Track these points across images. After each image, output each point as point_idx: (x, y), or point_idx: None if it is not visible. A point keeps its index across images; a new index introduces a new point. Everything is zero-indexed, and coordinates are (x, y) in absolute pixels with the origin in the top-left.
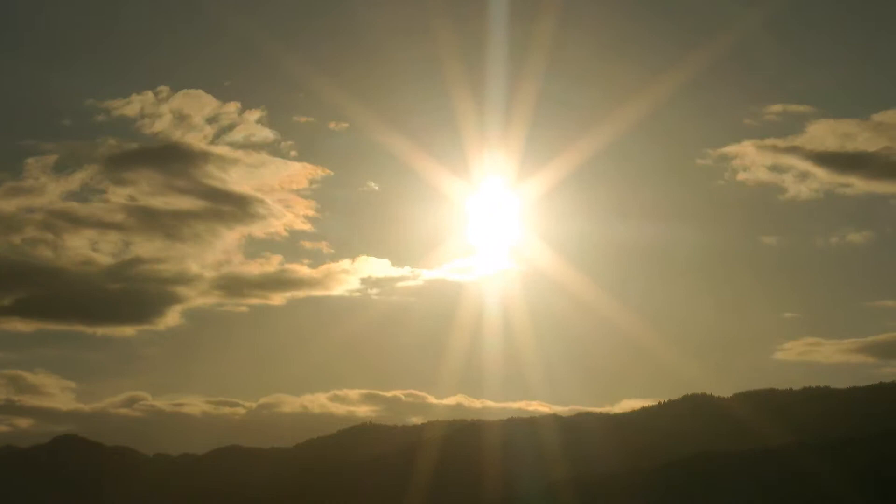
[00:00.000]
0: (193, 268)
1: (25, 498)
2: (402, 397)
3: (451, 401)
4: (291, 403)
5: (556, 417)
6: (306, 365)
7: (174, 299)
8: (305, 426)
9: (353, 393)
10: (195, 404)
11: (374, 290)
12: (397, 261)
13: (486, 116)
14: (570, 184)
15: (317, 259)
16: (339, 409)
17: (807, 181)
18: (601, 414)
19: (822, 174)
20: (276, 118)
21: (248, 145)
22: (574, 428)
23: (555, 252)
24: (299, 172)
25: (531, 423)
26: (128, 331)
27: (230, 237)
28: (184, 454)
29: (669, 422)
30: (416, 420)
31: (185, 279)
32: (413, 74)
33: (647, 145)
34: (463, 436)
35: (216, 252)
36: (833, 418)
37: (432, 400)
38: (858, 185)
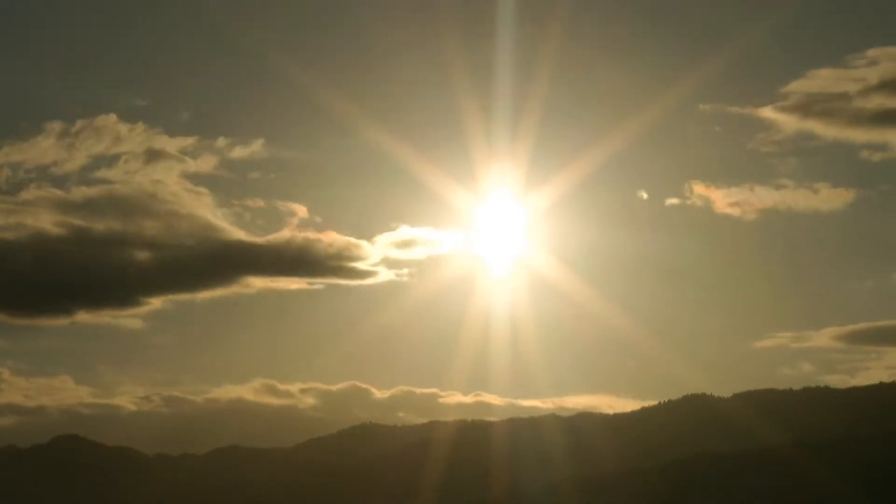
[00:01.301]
0: None
1: (25, 498)
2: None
3: (450, 399)
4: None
5: (557, 417)
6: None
7: None
8: (306, 426)
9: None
10: None
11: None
12: None
13: (494, 129)
14: (577, 195)
15: None
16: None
17: None
18: (602, 414)
19: None
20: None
21: None
22: (576, 428)
23: (561, 262)
24: None
25: (533, 424)
26: None
27: None
28: (184, 454)
29: (669, 422)
30: (417, 420)
31: None
32: (422, 88)
33: (653, 156)
34: (464, 436)
35: None
36: (833, 418)
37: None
38: None
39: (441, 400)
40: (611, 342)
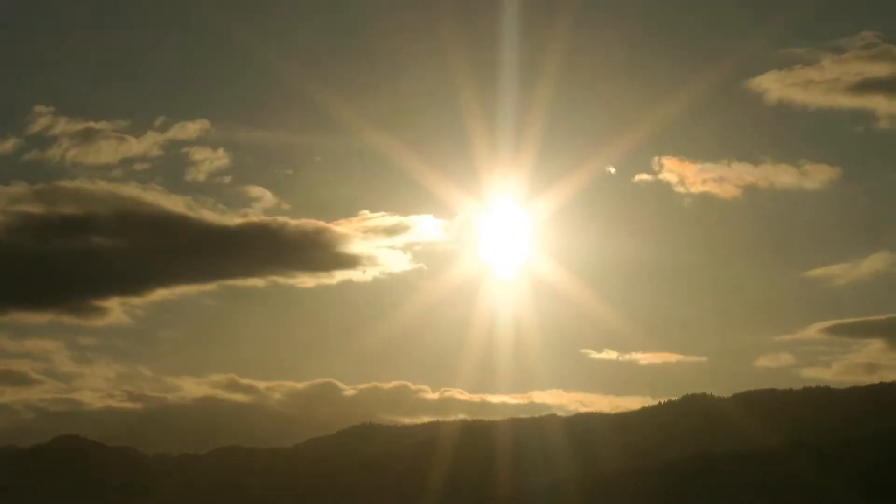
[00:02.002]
0: None
1: (25, 498)
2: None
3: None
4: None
5: (557, 418)
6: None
7: None
8: (306, 426)
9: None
10: None
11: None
12: None
13: (498, 137)
14: (581, 202)
15: None
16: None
17: None
18: (603, 414)
19: None
20: None
21: None
22: (576, 427)
23: (564, 268)
24: None
25: (534, 424)
26: None
27: None
28: (184, 454)
29: (669, 422)
30: (417, 420)
31: None
32: (428, 99)
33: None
34: (465, 436)
35: None
36: (832, 418)
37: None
38: None
39: (442, 399)
40: (610, 342)
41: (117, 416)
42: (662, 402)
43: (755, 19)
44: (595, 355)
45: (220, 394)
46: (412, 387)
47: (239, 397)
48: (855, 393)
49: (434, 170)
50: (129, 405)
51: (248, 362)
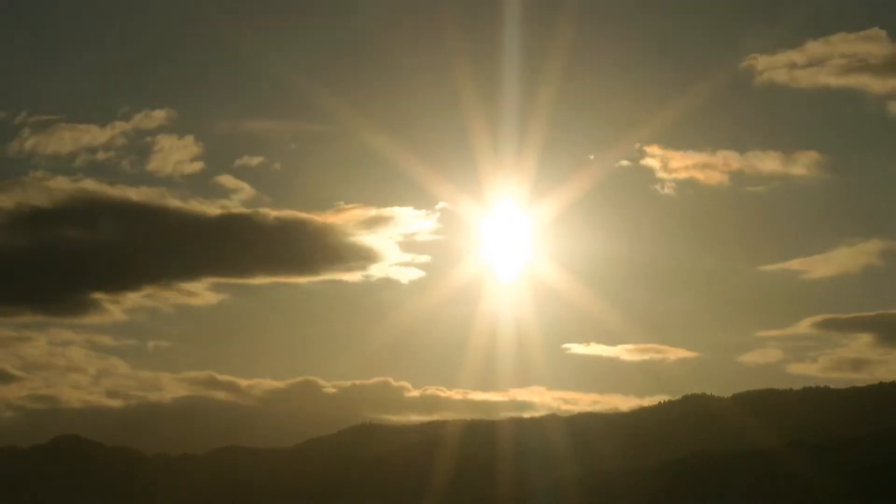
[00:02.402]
0: None
1: (25, 498)
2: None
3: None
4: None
5: (558, 418)
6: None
7: None
8: (306, 426)
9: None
10: None
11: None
12: None
13: (500, 142)
14: (583, 205)
15: None
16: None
17: None
18: (603, 414)
19: None
20: None
21: None
22: (577, 427)
23: (566, 271)
24: None
25: (535, 423)
26: None
27: None
28: (184, 454)
29: (669, 422)
30: (417, 420)
31: None
32: (432, 106)
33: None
34: (466, 435)
35: None
36: (833, 419)
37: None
38: None
39: (423, 397)
40: (597, 336)
41: (99, 413)
42: (662, 402)
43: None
44: (579, 350)
45: (201, 391)
46: (394, 384)
47: (220, 395)
48: (855, 393)
49: (436, 173)
50: (110, 402)
51: (232, 359)
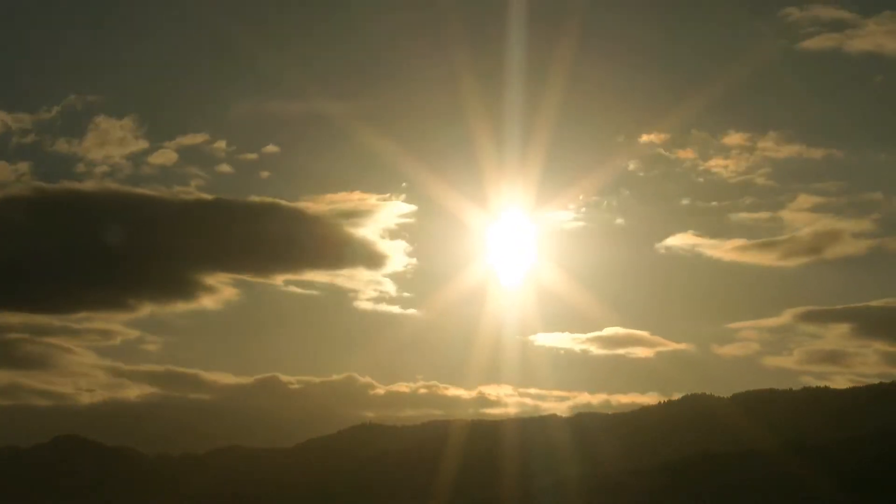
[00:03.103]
0: None
1: (25, 498)
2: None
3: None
4: None
5: (559, 418)
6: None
7: None
8: (306, 426)
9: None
10: None
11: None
12: None
13: (505, 149)
14: (588, 212)
15: None
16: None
17: None
18: (604, 414)
19: None
20: None
21: None
22: (577, 427)
23: (570, 276)
24: None
25: (535, 423)
26: None
27: None
28: (184, 454)
29: (669, 422)
30: (418, 420)
31: None
32: (438, 116)
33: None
34: (466, 435)
35: None
36: (833, 419)
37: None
38: None
39: (388, 394)
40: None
41: (99, 413)
42: (662, 402)
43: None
44: (546, 342)
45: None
46: (360, 380)
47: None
48: (855, 393)
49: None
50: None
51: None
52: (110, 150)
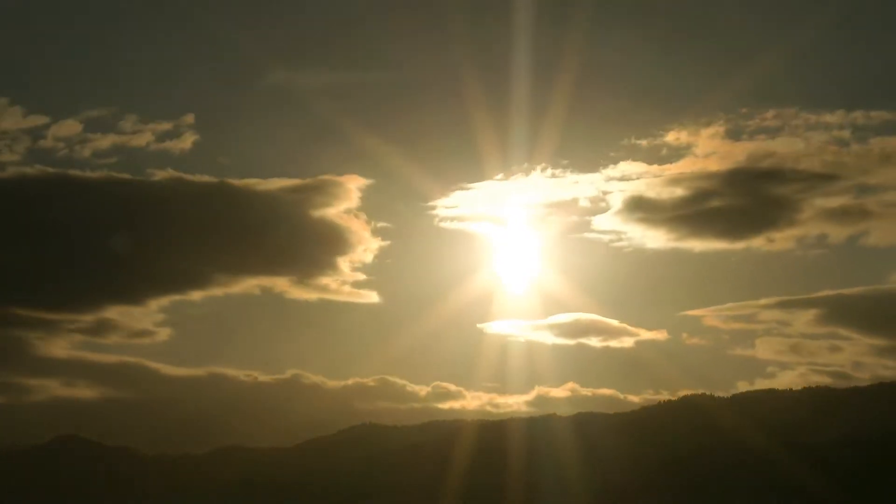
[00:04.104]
0: None
1: (25, 498)
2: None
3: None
4: None
5: (559, 417)
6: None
7: None
8: (306, 426)
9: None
10: None
11: None
12: None
13: (510, 156)
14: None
15: None
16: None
17: None
18: (603, 414)
19: None
20: None
21: None
22: (578, 427)
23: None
24: None
25: (535, 423)
26: None
27: None
28: (184, 454)
29: (668, 421)
30: (418, 420)
31: None
32: (444, 125)
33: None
34: (467, 435)
35: None
36: (833, 419)
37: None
38: None
39: (344, 388)
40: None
41: (99, 412)
42: (662, 401)
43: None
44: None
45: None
46: (310, 378)
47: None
48: (855, 393)
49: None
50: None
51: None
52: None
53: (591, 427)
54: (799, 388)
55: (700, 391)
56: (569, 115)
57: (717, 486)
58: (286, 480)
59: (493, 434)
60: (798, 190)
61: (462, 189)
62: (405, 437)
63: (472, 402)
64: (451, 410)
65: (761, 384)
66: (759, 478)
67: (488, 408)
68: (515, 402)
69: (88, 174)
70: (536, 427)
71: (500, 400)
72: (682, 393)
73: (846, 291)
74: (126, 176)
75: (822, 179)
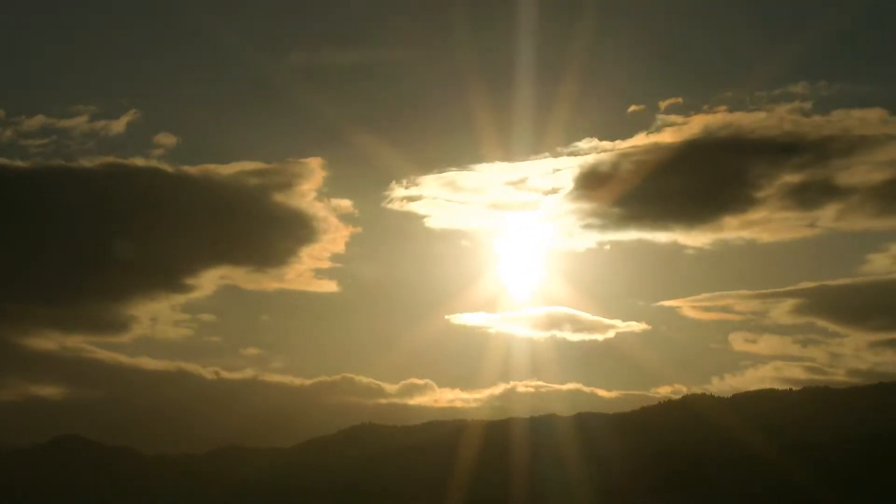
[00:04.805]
0: None
1: (25, 498)
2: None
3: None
4: None
5: (559, 417)
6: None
7: None
8: (306, 426)
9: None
10: None
11: None
12: None
13: (482, 142)
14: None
15: None
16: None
17: None
18: (604, 414)
19: None
20: None
21: None
22: (579, 427)
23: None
24: None
25: (537, 422)
26: None
27: None
28: (184, 454)
29: (668, 421)
30: (418, 420)
31: None
32: (448, 132)
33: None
34: (467, 435)
35: None
36: (833, 419)
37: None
38: None
39: (314, 385)
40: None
41: (99, 412)
42: (662, 401)
43: None
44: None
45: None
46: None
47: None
48: (854, 393)
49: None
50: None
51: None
52: None
53: (592, 427)
54: (799, 388)
55: (700, 391)
56: (537, 102)
57: (717, 485)
58: (286, 480)
59: (493, 434)
60: None
61: (434, 174)
62: (406, 437)
63: (442, 396)
64: (421, 407)
65: (748, 375)
66: (758, 477)
67: (458, 403)
68: (485, 397)
69: (18, 163)
70: (537, 427)
71: (468, 395)
72: (682, 392)
73: None
74: (59, 162)
75: None
